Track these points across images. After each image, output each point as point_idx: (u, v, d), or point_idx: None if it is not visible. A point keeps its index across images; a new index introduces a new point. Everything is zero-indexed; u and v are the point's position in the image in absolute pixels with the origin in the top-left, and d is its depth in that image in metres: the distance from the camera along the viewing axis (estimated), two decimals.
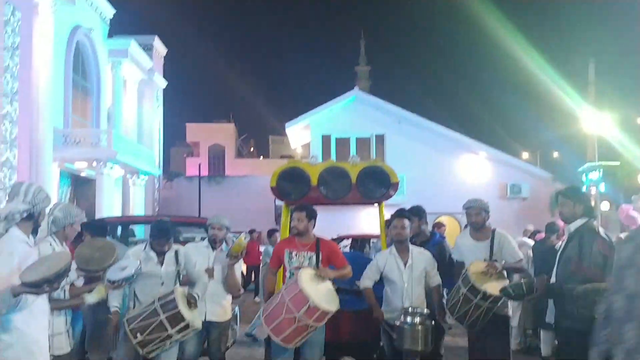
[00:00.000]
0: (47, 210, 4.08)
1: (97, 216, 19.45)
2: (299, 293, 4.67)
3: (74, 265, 4.34)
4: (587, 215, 4.62)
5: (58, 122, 21.97)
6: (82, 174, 24.50)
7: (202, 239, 6.09)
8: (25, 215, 3.61)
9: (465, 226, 5.82)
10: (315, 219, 5.52)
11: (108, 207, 23.20)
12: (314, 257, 5.30)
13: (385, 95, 25.83)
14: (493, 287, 4.94)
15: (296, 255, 5.33)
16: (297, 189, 6.47)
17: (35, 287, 3.17)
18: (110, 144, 22.77)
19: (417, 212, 6.21)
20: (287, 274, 5.34)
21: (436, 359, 5.77)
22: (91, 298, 4.52)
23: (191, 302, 4.91)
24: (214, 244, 5.79)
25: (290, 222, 5.49)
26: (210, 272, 5.62)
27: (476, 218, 5.51)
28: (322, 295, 4.84)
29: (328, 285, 5.02)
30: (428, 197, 20.66)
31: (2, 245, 3.53)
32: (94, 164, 22.92)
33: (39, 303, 3.62)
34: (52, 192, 19.83)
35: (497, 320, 5.22)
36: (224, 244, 5.85)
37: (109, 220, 12.56)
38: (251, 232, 14.65)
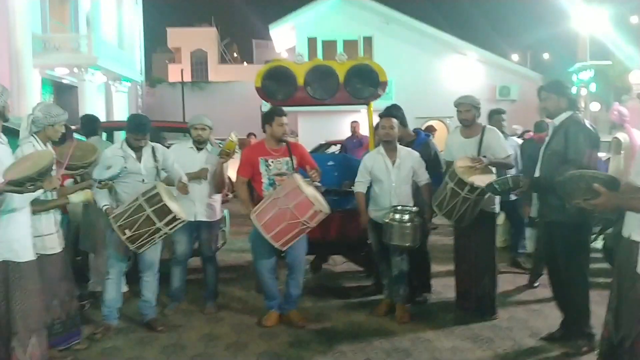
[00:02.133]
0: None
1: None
2: (304, 199, 4.77)
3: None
4: (571, 108, 4.58)
5: (36, 27, 21.20)
6: (64, 81, 23.93)
7: None
8: None
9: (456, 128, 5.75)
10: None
11: (91, 114, 22.83)
12: (290, 162, 5.29)
13: None
14: (480, 180, 4.95)
15: (272, 162, 5.28)
16: (283, 89, 6.33)
17: (18, 186, 3.11)
18: (91, 50, 22.08)
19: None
20: (265, 181, 5.28)
21: (422, 256, 5.84)
22: (76, 198, 4.52)
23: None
24: (198, 144, 5.71)
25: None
26: (204, 173, 5.59)
27: (466, 115, 5.42)
28: (319, 197, 4.97)
29: (314, 189, 5.06)
30: (417, 101, 20.54)
31: None
32: (75, 70, 22.36)
33: (19, 202, 3.64)
34: (34, 99, 19.39)
35: (483, 216, 5.27)
36: (208, 144, 5.76)
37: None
38: (249, 135, 14.20)
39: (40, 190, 3.81)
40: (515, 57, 37.78)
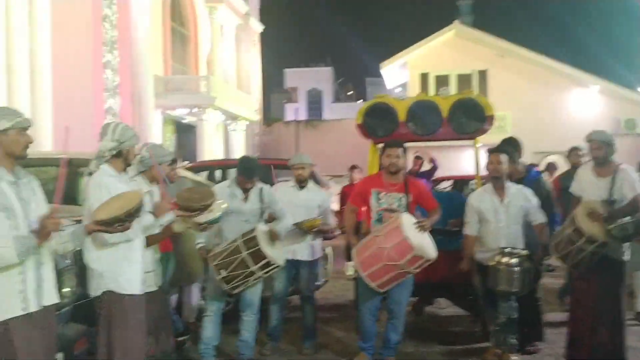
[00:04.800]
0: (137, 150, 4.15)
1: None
2: (403, 241, 4.56)
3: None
4: None
5: (158, 69, 22.54)
6: (184, 121, 25.19)
7: None
8: (114, 152, 3.77)
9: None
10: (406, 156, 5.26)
11: (209, 152, 23.81)
12: (404, 199, 5.06)
13: (489, 29, 24.33)
14: (601, 230, 4.51)
15: (385, 195, 5.09)
16: (384, 126, 6.19)
17: (106, 226, 3.16)
18: (210, 90, 23.15)
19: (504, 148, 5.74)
20: (374, 215, 5.11)
21: (533, 301, 5.41)
22: (179, 227, 4.54)
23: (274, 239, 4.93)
24: (299, 183, 5.69)
25: (383, 160, 5.20)
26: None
27: (596, 153, 4.94)
28: (424, 242, 4.71)
29: (423, 234, 4.81)
30: (534, 135, 19.65)
31: (93, 181, 3.72)
32: (194, 110, 23.46)
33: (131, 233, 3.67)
34: (157, 139, 20.50)
35: (608, 264, 4.77)
36: (310, 182, 5.74)
37: (209, 163, 12.92)
38: (353, 168, 14.14)
39: (151, 219, 3.88)
40: None
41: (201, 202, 4.46)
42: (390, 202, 5.08)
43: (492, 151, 5.22)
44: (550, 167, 10.53)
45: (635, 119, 22.54)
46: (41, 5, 15.74)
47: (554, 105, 23.00)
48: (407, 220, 4.73)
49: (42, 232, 2.96)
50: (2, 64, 14.32)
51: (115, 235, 3.47)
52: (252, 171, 5.05)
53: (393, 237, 4.62)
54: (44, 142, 15.03)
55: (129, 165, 3.96)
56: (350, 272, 6.96)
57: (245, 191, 5.09)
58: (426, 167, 10.15)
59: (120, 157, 3.82)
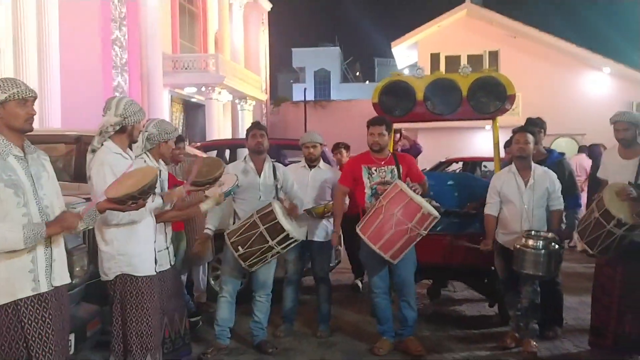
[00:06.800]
0: (142, 126, 3.99)
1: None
2: (410, 202, 4.52)
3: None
4: None
5: (167, 47, 22.33)
6: (192, 100, 25.03)
7: None
8: (118, 127, 3.60)
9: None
10: (392, 132, 5.22)
11: (218, 131, 23.68)
12: (395, 170, 5.01)
13: (500, 9, 24.00)
14: (629, 213, 4.35)
15: (376, 170, 5.02)
16: (401, 104, 6.02)
17: (119, 204, 3.03)
18: (218, 69, 22.95)
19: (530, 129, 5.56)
20: (367, 191, 5.02)
21: (553, 286, 5.29)
22: (206, 205, 4.43)
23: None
24: (310, 162, 5.55)
25: (367, 138, 5.12)
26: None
27: (624, 134, 4.74)
28: (425, 202, 4.66)
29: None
30: (545, 118, 19.15)
31: (97, 158, 3.57)
32: (203, 89, 23.29)
33: (136, 213, 3.55)
34: (165, 117, 20.38)
35: (636, 249, 4.60)
36: (321, 162, 5.59)
37: (218, 142, 12.76)
38: (336, 146, 13.76)
39: (160, 202, 3.77)
40: None
41: (211, 175, 4.34)
42: (382, 176, 5.02)
43: (518, 130, 5.06)
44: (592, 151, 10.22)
45: None
46: None
47: (565, 87, 22.77)
48: (405, 185, 4.70)
49: (56, 226, 2.84)
50: (9, 41, 14.16)
51: (120, 215, 3.36)
52: (261, 125, 5.15)
53: (398, 200, 4.56)
54: (53, 119, 14.92)
55: (134, 141, 3.80)
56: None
57: (259, 165, 5.03)
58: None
59: (125, 133, 3.65)
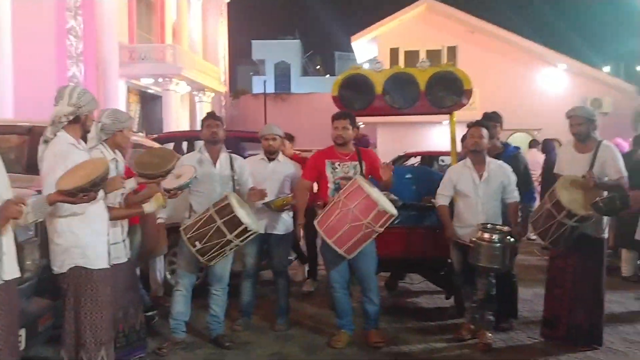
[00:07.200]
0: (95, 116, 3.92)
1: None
2: (366, 198, 4.51)
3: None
4: None
5: (123, 37, 21.90)
6: (149, 91, 24.64)
7: None
8: (71, 117, 3.56)
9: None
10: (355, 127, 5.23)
11: (175, 123, 23.36)
12: (358, 166, 5.03)
13: (459, 4, 24.24)
14: (581, 205, 4.46)
15: (339, 165, 5.04)
16: (360, 98, 6.05)
17: (70, 196, 2.96)
18: (176, 60, 22.63)
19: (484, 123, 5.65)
20: (331, 185, 5.04)
21: (508, 278, 5.39)
22: (149, 207, 4.36)
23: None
24: (269, 155, 5.51)
25: (331, 132, 5.13)
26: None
27: (578, 129, 4.87)
28: (384, 199, 4.67)
29: (379, 192, 4.79)
30: (502, 113, 19.46)
31: (50, 149, 3.51)
32: (160, 80, 22.93)
33: (94, 208, 3.57)
34: (121, 108, 19.98)
35: (588, 241, 4.76)
36: (279, 154, 5.56)
37: (175, 134, 12.59)
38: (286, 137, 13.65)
39: (101, 194, 3.68)
40: (607, 68, 35.91)
41: (163, 167, 4.26)
42: (345, 171, 5.04)
43: (473, 125, 5.12)
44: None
45: (601, 98, 22.76)
46: None
47: (522, 82, 23.11)
48: (363, 180, 4.72)
49: (1, 216, 2.77)
50: None
51: (64, 207, 3.29)
52: (216, 115, 5.17)
53: (355, 196, 4.56)
54: (5, 110, 14.50)
55: (87, 132, 3.77)
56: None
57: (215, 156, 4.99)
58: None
59: (78, 123, 3.62)
